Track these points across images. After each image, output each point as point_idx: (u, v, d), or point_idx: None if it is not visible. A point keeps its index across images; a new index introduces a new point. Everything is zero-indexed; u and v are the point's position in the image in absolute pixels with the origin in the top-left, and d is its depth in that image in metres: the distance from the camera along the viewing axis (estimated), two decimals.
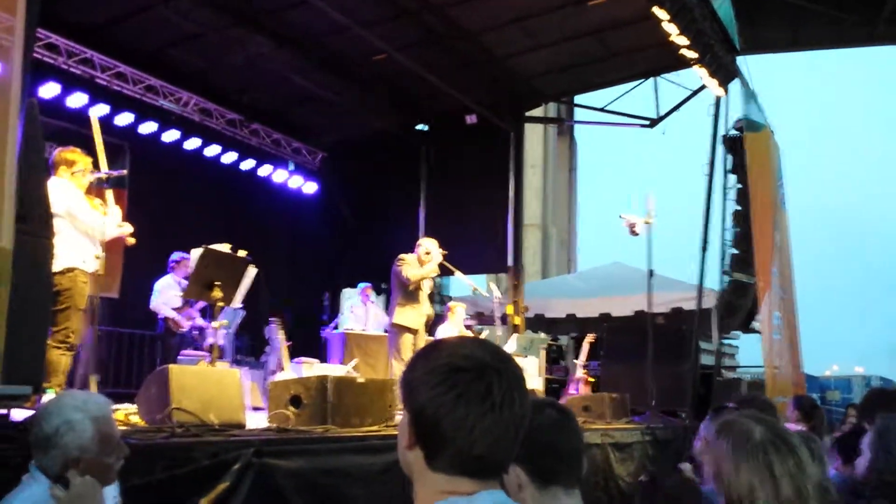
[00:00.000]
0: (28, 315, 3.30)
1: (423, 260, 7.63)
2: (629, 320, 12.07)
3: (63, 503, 2.31)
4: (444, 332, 8.78)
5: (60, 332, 5.07)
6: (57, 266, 4.98)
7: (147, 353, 8.67)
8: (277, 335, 8.33)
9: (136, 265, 8.53)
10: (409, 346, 7.40)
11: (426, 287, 7.79)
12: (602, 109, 12.32)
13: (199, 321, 8.38)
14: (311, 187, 12.95)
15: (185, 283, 8.21)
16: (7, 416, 3.23)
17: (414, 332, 7.52)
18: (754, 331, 12.72)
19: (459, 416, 1.26)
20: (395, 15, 9.45)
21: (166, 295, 8.31)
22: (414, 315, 7.53)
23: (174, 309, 8.26)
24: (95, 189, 5.64)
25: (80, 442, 2.41)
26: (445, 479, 1.28)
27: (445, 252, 7.84)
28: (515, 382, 1.30)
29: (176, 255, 8.47)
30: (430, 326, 8.17)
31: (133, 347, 9.25)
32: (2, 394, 2.51)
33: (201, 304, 8.29)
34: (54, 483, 2.34)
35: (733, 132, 12.73)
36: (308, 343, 10.08)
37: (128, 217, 5.91)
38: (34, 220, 3.68)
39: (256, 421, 5.11)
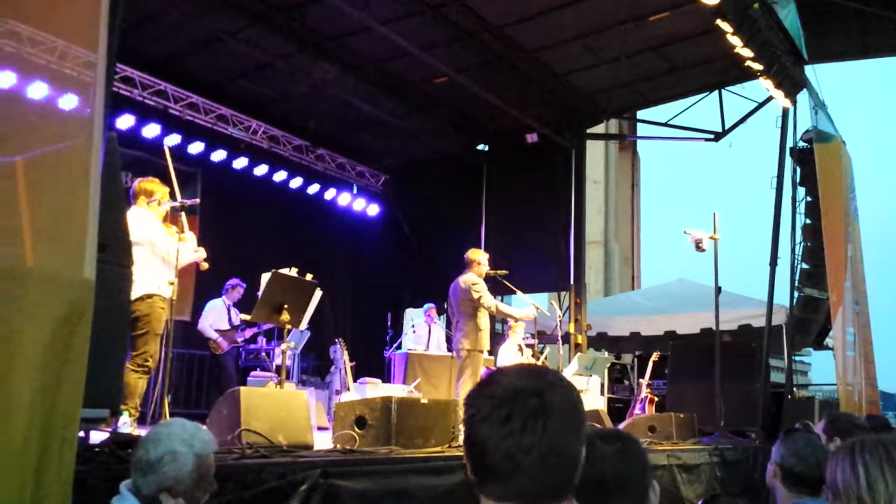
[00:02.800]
0: (107, 341, 3.46)
1: (480, 273, 7.72)
2: (696, 338, 11.84)
3: None
4: (505, 350, 8.80)
5: (139, 357, 5.26)
6: (136, 292, 5.19)
7: (215, 375, 8.91)
8: (341, 356, 8.49)
9: (207, 288, 8.84)
10: (481, 367, 7.51)
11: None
12: (665, 124, 12.17)
13: (259, 343, 8.70)
14: (373, 209, 13.16)
15: (231, 307, 8.67)
16: (86, 438, 3.38)
17: (483, 351, 7.63)
18: (827, 347, 12.35)
19: (482, 437, 1.29)
20: (456, 37, 9.56)
21: (212, 317, 8.67)
22: (486, 336, 7.63)
23: (220, 331, 8.57)
24: (170, 216, 5.89)
25: (179, 474, 2.52)
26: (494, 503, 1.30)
27: (506, 272, 7.90)
28: (547, 410, 1.29)
29: (232, 281, 8.83)
30: (491, 346, 8.21)
31: (203, 369, 9.51)
32: (82, 417, 2.65)
33: (250, 330, 8.62)
34: None
35: (802, 144, 12.44)
36: (371, 363, 10.21)
37: (199, 242, 6.14)
38: (114, 249, 3.86)
39: (322, 441, 5.22)
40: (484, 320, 7.56)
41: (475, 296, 7.46)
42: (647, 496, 1.98)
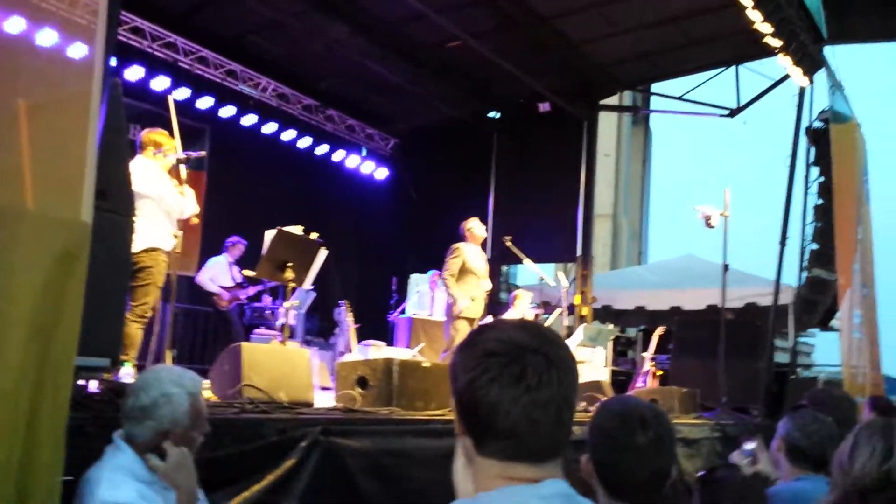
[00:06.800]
0: (107, 289, 3.42)
1: (476, 240, 7.81)
2: (701, 314, 11.79)
3: (162, 472, 2.40)
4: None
5: (139, 307, 5.24)
6: (140, 245, 5.15)
7: (221, 331, 8.93)
8: (346, 317, 8.48)
9: (213, 245, 8.81)
10: (463, 336, 7.44)
11: (480, 272, 7.80)
12: (680, 98, 11.99)
13: (263, 301, 8.73)
14: (382, 173, 13.06)
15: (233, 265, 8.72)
16: (85, 387, 3.36)
17: (470, 320, 7.55)
18: (832, 329, 12.30)
19: (493, 399, 1.24)
20: (473, 2, 9.39)
21: (212, 271, 8.73)
22: (472, 303, 7.57)
23: (224, 287, 8.59)
24: (174, 169, 5.81)
25: (175, 415, 2.50)
26: (499, 464, 1.26)
27: (511, 237, 7.86)
28: (556, 364, 1.27)
29: (233, 238, 8.84)
30: (495, 314, 8.17)
31: (208, 324, 9.52)
32: (81, 365, 2.61)
33: (254, 288, 8.63)
34: (151, 453, 2.43)
35: (817, 124, 12.28)
36: (375, 326, 10.20)
37: (206, 198, 6.08)
38: (115, 197, 3.81)
39: (324, 400, 5.21)
40: (466, 287, 7.58)
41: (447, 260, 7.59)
42: (663, 487, 1.95)
